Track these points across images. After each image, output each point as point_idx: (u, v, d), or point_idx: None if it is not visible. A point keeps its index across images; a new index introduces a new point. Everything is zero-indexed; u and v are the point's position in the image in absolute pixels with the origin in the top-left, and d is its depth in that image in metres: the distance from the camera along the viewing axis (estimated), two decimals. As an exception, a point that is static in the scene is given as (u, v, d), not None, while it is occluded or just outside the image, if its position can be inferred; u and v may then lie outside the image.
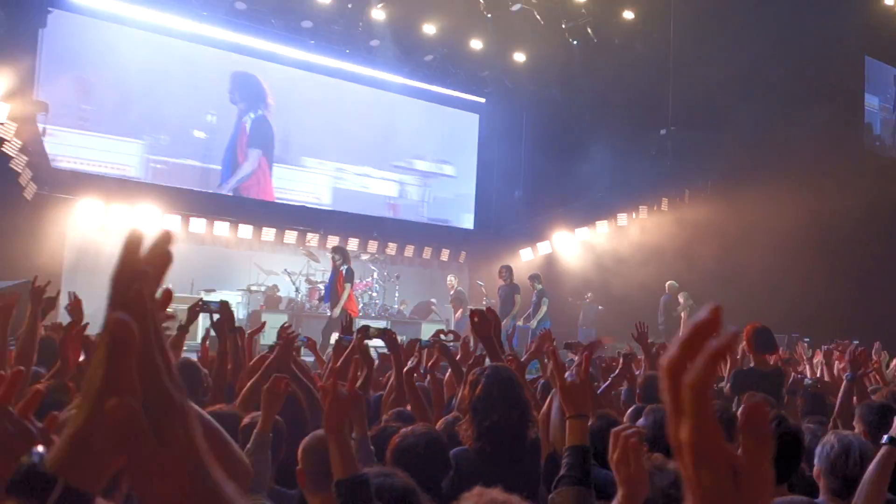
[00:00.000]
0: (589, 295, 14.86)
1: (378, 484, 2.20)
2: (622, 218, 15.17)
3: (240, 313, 13.41)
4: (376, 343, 5.40)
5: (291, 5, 14.55)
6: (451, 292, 14.53)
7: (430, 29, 15.27)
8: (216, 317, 4.45)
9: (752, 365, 5.29)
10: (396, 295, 15.41)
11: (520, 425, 3.00)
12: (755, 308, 10.52)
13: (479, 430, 2.97)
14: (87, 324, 4.25)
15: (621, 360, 5.11)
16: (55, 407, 1.42)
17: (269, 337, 9.82)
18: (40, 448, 0.81)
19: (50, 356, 4.15)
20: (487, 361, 3.90)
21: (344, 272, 11.41)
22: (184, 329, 4.72)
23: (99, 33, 13.72)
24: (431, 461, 2.71)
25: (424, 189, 17.78)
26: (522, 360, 4.73)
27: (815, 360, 6.66)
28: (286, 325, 6.70)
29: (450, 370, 4.85)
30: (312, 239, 15.18)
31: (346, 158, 16.60)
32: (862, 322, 11.37)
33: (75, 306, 4.49)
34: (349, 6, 14.74)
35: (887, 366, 7.47)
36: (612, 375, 4.95)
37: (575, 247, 16.18)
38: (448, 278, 14.90)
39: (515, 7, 14.92)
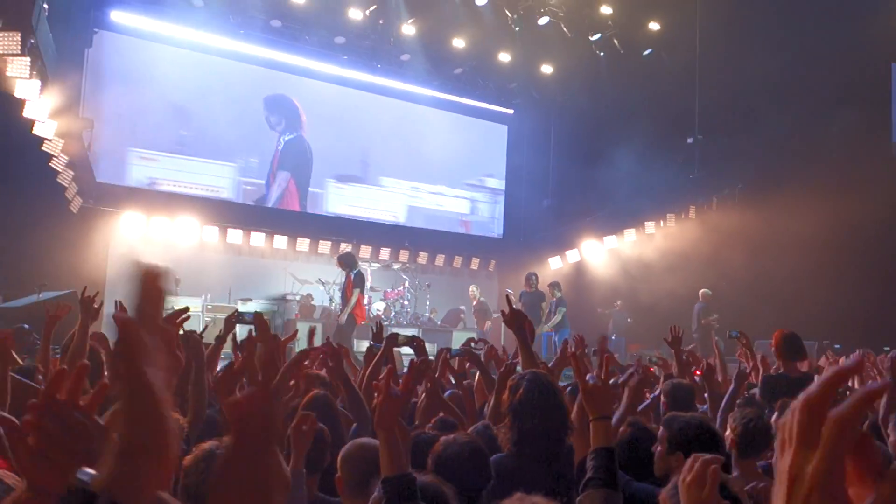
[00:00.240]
0: (618, 303, 14.94)
1: (422, 484, 2.24)
2: (650, 226, 15.20)
3: (275, 322, 13.79)
4: (409, 350, 5.57)
5: (324, 22, 14.90)
6: (474, 303, 14.61)
7: (459, 43, 15.55)
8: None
9: (781, 371, 5.28)
10: (427, 303, 15.64)
11: (559, 431, 3.00)
12: (784, 314, 10.58)
13: (519, 434, 2.98)
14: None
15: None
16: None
17: (300, 345, 10.15)
18: (89, 469, 0.84)
19: (94, 367, 4.13)
20: (519, 369, 4.03)
21: (353, 277, 11.51)
22: (221, 340, 4.82)
23: (142, 52, 14.22)
24: (474, 471, 2.69)
25: (494, 206, 18.52)
26: (550, 366, 4.84)
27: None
28: (313, 329, 6.95)
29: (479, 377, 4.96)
30: (346, 249, 15.47)
31: (421, 177, 17.45)
32: (892, 328, 11.30)
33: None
34: (380, 22, 15.05)
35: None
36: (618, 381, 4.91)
37: (603, 255, 16.26)
38: (470, 289, 15.01)
39: (543, 20, 15.12)
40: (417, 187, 17.40)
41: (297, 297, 14.33)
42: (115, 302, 4.85)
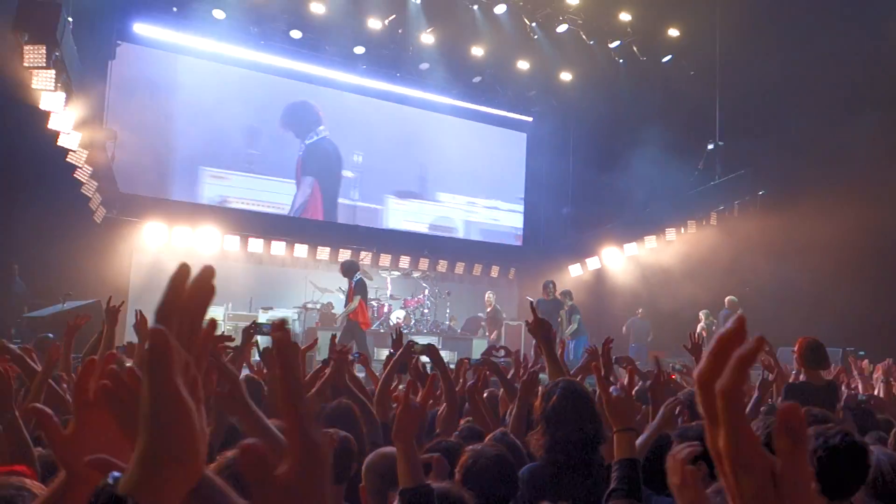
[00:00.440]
0: (639, 311, 14.85)
1: (442, 491, 2.25)
2: (671, 233, 15.11)
3: (296, 330, 13.88)
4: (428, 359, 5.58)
5: (344, 32, 15.00)
6: (489, 309, 14.52)
7: (478, 51, 15.60)
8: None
9: (803, 379, 5.22)
10: (447, 311, 15.65)
11: (593, 440, 2.98)
12: (808, 321, 10.47)
13: (552, 442, 2.95)
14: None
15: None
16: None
17: (324, 352, 10.19)
18: (117, 472, 0.85)
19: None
20: (542, 377, 4.00)
21: (353, 284, 11.51)
22: (239, 351, 4.78)
23: (164, 63, 14.41)
24: (503, 483, 2.69)
25: (513, 213, 18.68)
26: (571, 373, 4.82)
27: (875, 377, 6.56)
28: (334, 337, 6.96)
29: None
30: (366, 257, 15.55)
31: (477, 192, 18.02)
32: (919, 335, 11.15)
33: (141, 324, 4.79)
34: (399, 31, 15.13)
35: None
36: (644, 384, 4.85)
37: (623, 262, 16.18)
38: (486, 295, 14.95)
39: (562, 28, 15.13)
40: (474, 202, 18.08)
41: (318, 306, 14.40)
42: (136, 311, 4.91)
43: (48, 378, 3.70)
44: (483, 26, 14.94)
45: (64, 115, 9.79)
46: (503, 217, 18.38)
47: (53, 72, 9.02)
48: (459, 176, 17.61)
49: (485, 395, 5.39)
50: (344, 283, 14.55)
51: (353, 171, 16.54)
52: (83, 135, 10.58)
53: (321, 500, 0.71)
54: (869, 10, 12.51)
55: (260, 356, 4.20)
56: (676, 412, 4.26)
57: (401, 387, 4.64)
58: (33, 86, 9.07)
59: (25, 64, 8.77)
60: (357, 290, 11.35)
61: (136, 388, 1.00)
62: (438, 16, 14.68)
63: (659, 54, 15.79)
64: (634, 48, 15.64)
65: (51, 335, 6.79)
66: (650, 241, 15.49)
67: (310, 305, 14.24)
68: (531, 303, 4.18)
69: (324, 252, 15.23)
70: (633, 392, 4.66)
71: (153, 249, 13.71)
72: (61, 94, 9.41)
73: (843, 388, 5.93)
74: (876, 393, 5.89)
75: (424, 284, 15.44)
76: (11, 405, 2.58)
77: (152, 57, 14.31)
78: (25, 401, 3.82)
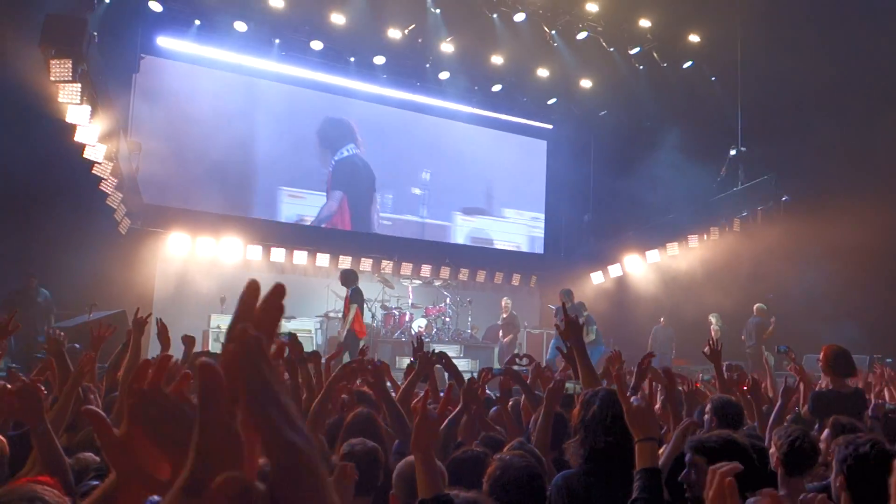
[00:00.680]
0: (662, 319, 14.72)
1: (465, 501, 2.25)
2: (693, 240, 15.01)
3: (318, 339, 13.95)
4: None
5: (364, 42, 15.10)
6: (504, 315, 14.36)
7: (497, 59, 15.62)
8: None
9: (830, 387, 5.15)
10: (469, 320, 15.64)
11: (633, 450, 2.91)
12: (834, 328, 10.34)
13: (591, 451, 2.91)
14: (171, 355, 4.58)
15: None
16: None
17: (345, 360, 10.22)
18: (156, 497, 0.87)
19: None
20: (569, 385, 3.98)
21: (350, 294, 11.53)
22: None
23: (187, 76, 14.58)
24: (532, 495, 2.69)
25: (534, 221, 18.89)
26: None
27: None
28: (365, 347, 6.99)
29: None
30: (387, 266, 15.59)
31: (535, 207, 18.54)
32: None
33: (162, 332, 4.83)
34: (419, 41, 15.20)
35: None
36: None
37: (645, 270, 16.08)
38: (503, 300, 14.84)
39: (581, 35, 15.12)
40: (538, 217, 18.62)
41: (339, 315, 14.42)
42: (157, 320, 4.96)
43: (78, 387, 3.76)
44: (502, 34, 14.96)
45: (89, 128, 9.94)
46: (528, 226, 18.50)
47: (79, 85, 9.16)
48: (481, 186, 17.71)
49: (509, 403, 5.39)
50: (365, 291, 14.65)
51: (420, 189, 17.06)
52: (108, 147, 10.73)
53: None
54: (894, 9, 12.37)
55: (283, 364, 4.20)
56: (705, 417, 4.20)
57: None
58: (60, 99, 9.21)
59: (52, 78, 8.92)
60: (353, 299, 11.40)
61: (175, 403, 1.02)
62: (458, 24, 14.73)
63: (679, 60, 15.72)
64: (655, 54, 15.59)
65: (77, 346, 6.88)
66: (672, 248, 15.38)
67: (332, 314, 14.29)
68: (562, 306, 4.15)
69: (346, 261, 15.28)
70: (659, 402, 4.63)
71: (177, 259, 13.84)
72: (87, 108, 9.55)
73: (870, 396, 5.86)
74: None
75: (446, 293, 15.44)
76: (43, 417, 2.62)
77: (175, 69, 14.49)
78: (53, 409, 3.88)
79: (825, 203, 12.34)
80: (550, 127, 18.56)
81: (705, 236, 14.91)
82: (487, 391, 5.61)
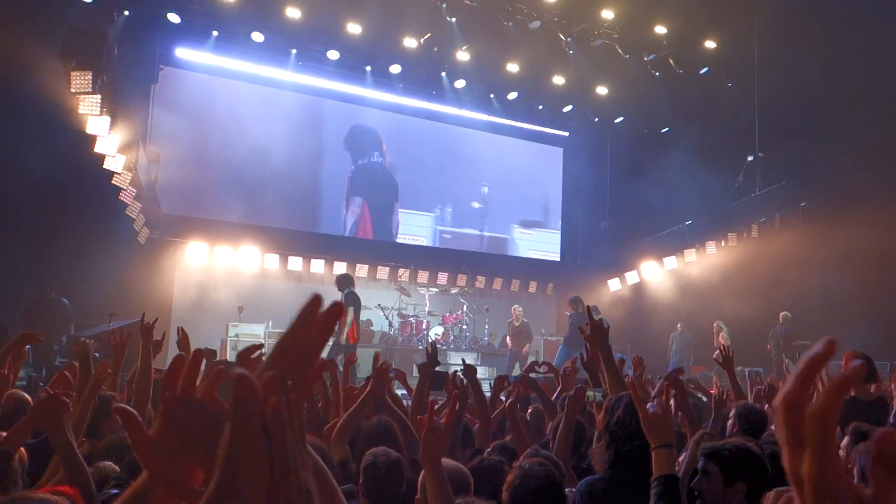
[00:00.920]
0: (679, 325, 14.62)
1: None
2: (711, 246, 14.92)
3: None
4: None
5: (380, 51, 15.17)
6: (517, 323, 14.12)
7: (513, 67, 15.64)
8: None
9: (852, 394, 5.07)
10: (486, 327, 15.62)
11: None
12: (855, 334, 10.20)
13: (616, 456, 2.91)
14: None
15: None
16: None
17: (363, 370, 10.24)
18: None
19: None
20: (590, 393, 3.95)
21: (343, 298, 11.44)
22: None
23: (205, 86, 14.71)
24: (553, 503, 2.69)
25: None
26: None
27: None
28: (377, 355, 6.99)
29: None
30: (404, 274, 15.61)
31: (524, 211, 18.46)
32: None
33: (182, 341, 4.84)
34: (435, 49, 15.25)
35: None
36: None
37: (663, 276, 15.99)
38: (514, 308, 14.51)
39: (597, 42, 15.10)
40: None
41: (355, 323, 14.47)
42: (178, 329, 4.98)
43: (96, 394, 3.78)
44: (518, 42, 14.97)
45: (109, 139, 10.04)
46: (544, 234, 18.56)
47: (99, 97, 9.27)
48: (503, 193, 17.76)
49: (528, 411, 5.38)
50: (383, 299, 14.72)
51: (479, 202, 17.43)
52: (127, 157, 10.83)
53: None
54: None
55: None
56: (728, 422, 4.16)
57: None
58: (80, 111, 9.33)
59: (72, 89, 9.03)
60: (348, 302, 11.31)
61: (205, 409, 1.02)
62: (474, 33, 14.76)
63: (696, 66, 15.66)
64: (671, 61, 15.54)
65: (97, 354, 6.93)
66: (690, 255, 15.30)
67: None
68: (588, 308, 4.12)
69: (362, 269, 15.32)
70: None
71: (196, 269, 13.94)
72: (106, 119, 9.66)
73: (893, 403, 5.78)
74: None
75: (463, 301, 15.43)
76: (63, 428, 2.64)
77: (194, 80, 14.63)
78: (72, 415, 3.90)
79: (843, 208, 12.23)
80: (567, 134, 18.54)
81: (723, 242, 14.82)
82: (501, 397, 5.61)
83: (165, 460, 1.00)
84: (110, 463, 3.23)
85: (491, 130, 17.45)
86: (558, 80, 16.20)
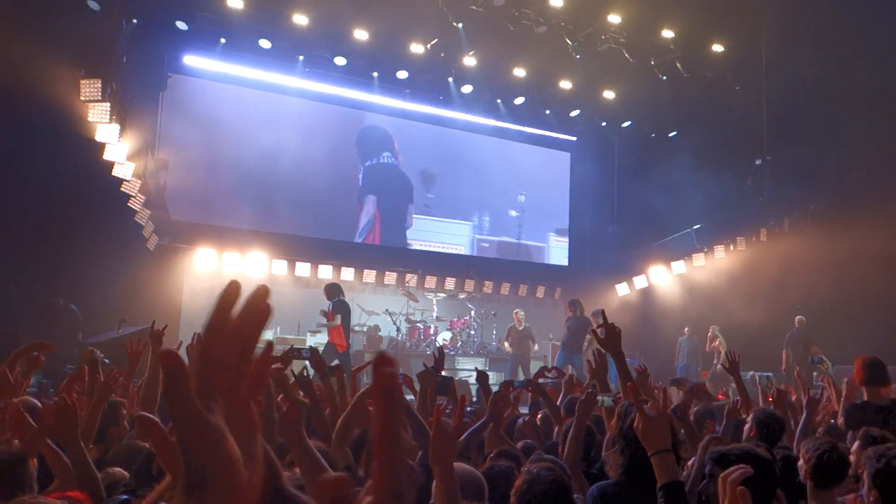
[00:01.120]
0: (686, 329, 14.55)
1: None
2: (719, 250, 14.88)
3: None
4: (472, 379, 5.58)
5: (387, 57, 15.21)
6: (519, 327, 13.90)
7: (520, 72, 15.65)
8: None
9: (865, 399, 5.03)
10: (494, 332, 15.61)
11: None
12: (868, 338, 10.14)
13: (631, 460, 2.88)
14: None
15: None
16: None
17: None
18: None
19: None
20: (600, 398, 3.95)
21: (331, 307, 11.41)
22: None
23: (213, 93, 14.77)
24: None
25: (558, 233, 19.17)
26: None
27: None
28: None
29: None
30: (411, 280, 15.61)
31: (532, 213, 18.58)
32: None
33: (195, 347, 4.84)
34: (442, 55, 15.28)
35: None
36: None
37: (671, 281, 15.95)
38: (515, 312, 14.26)
39: (604, 47, 15.10)
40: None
41: (365, 329, 14.49)
42: (194, 335, 4.99)
43: (105, 400, 3.80)
44: (524, 47, 14.99)
45: (118, 147, 10.10)
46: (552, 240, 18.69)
47: (108, 104, 9.33)
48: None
49: (539, 416, 5.38)
50: (390, 304, 14.73)
51: (516, 210, 17.71)
52: (136, 165, 10.89)
53: None
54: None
55: (296, 380, 4.20)
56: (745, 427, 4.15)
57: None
58: (89, 118, 9.39)
59: (82, 98, 9.10)
60: (336, 310, 11.32)
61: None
62: (480, 38, 14.78)
63: (703, 70, 15.64)
64: (678, 65, 15.52)
65: (107, 360, 6.96)
66: (699, 259, 15.25)
67: (357, 328, 14.33)
68: (601, 311, 4.13)
69: (370, 275, 15.34)
70: (693, 412, 4.59)
71: (204, 275, 13.97)
72: (116, 126, 9.71)
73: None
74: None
75: (470, 306, 15.43)
76: (76, 437, 2.66)
77: (202, 87, 14.69)
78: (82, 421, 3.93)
79: (852, 210, 12.20)
80: (574, 139, 18.54)
81: (732, 247, 14.79)
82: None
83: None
84: (120, 469, 3.24)
85: (496, 135, 17.47)
86: (565, 84, 16.21)
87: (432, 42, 14.91)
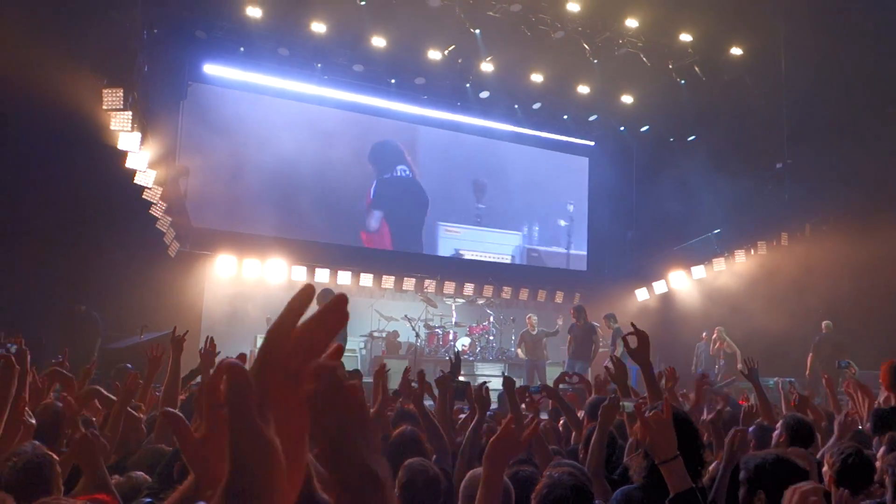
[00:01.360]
0: (704, 335, 14.43)
1: None
2: (740, 255, 14.75)
3: (362, 358, 14.03)
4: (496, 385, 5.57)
5: (405, 64, 15.28)
6: (533, 332, 13.80)
7: (537, 77, 15.65)
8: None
9: (893, 403, 5.01)
10: (513, 338, 15.58)
11: (696, 465, 2.84)
12: (892, 343, 10.03)
13: (654, 465, 2.79)
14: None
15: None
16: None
17: (392, 383, 10.24)
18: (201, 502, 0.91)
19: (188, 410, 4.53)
20: (622, 404, 3.94)
21: None
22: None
23: (233, 101, 14.90)
24: None
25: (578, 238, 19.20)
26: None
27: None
28: (408, 368, 6.99)
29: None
30: (430, 285, 15.62)
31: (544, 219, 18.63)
32: None
33: (210, 351, 4.91)
34: (459, 61, 15.32)
35: None
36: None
37: (691, 286, 15.83)
38: (528, 317, 14.22)
39: (621, 51, 15.06)
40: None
41: (384, 334, 14.52)
42: (207, 338, 5.06)
43: (126, 406, 3.86)
44: (542, 53, 14.99)
45: (140, 155, 10.23)
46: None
47: (130, 113, 9.45)
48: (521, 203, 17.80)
49: (560, 422, 5.37)
50: (409, 310, 14.76)
51: (565, 220, 17.99)
52: (158, 172, 11.01)
53: None
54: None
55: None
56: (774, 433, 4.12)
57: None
58: (112, 127, 9.52)
59: (104, 107, 9.22)
60: None
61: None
62: (497, 44, 14.81)
63: (722, 73, 15.55)
64: (696, 68, 15.45)
65: (129, 365, 7.04)
66: (719, 264, 15.13)
67: (376, 334, 14.38)
68: (632, 324, 4.14)
69: (389, 281, 15.37)
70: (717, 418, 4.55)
71: (225, 281, 14.07)
72: (137, 135, 9.84)
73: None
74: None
75: (489, 311, 15.42)
76: (100, 465, 2.71)
77: (222, 95, 14.82)
78: (105, 429, 3.99)
79: (874, 213, 12.07)
80: (592, 144, 18.50)
81: (752, 251, 14.66)
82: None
83: (210, 464, 1.03)
84: (142, 473, 3.28)
85: (515, 141, 17.47)
86: (583, 89, 16.18)
87: (450, 48, 14.95)
